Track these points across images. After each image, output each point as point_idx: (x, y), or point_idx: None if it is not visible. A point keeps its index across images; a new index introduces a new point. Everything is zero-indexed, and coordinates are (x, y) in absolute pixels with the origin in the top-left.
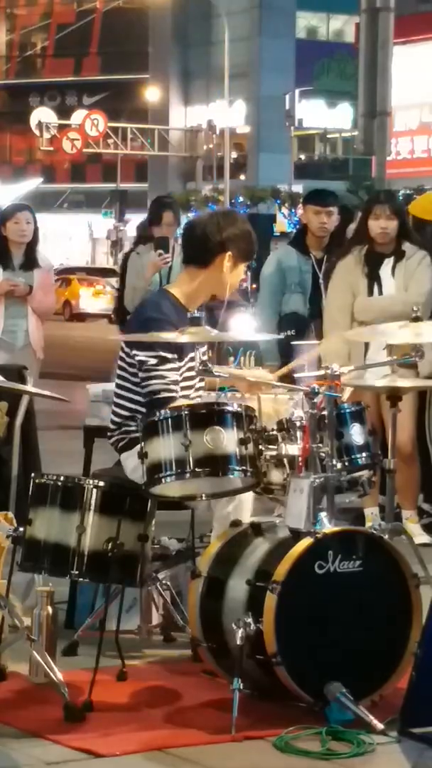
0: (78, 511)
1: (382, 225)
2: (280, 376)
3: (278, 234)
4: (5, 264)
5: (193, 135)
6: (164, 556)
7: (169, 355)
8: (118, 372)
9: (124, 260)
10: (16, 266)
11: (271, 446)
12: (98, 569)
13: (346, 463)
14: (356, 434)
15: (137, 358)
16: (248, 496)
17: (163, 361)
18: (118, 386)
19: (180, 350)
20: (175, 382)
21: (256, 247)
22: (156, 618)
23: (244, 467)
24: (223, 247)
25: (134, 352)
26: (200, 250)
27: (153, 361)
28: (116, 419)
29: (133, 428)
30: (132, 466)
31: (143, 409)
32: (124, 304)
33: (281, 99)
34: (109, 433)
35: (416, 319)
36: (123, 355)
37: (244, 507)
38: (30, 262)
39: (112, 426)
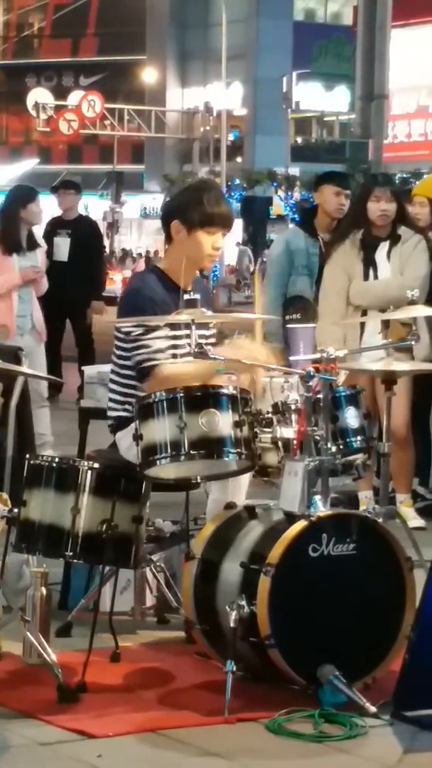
0: (73, 493)
1: (382, 207)
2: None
3: (274, 217)
4: (17, 248)
5: (190, 117)
6: (158, 538)
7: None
8: (114, 359)
9: None
10: (25, 249)
11: (266, 429)
12: (92, 550)
13: (341, 447)
14: (351, 418)
15: (123, 329)
16: (244, 479)
17: (148, 330)
18: (114, 372)
19: (167, 309)
20: (160, 350)
21: (213, 212)
22: (150, 600)
23: (239, 450)
24: (170, 216)
25: (122, 325)
26: (162, 224)
27: (138, 331)
28: (113, 405)
29: (129, 410)
30: (126, 445)
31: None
32: None
33: (278, 81)
34: (109, 422)
35: (412, 303)
36: (117, 341)
37: (240, 489)
38: (32, 243)
39: (109, 413)
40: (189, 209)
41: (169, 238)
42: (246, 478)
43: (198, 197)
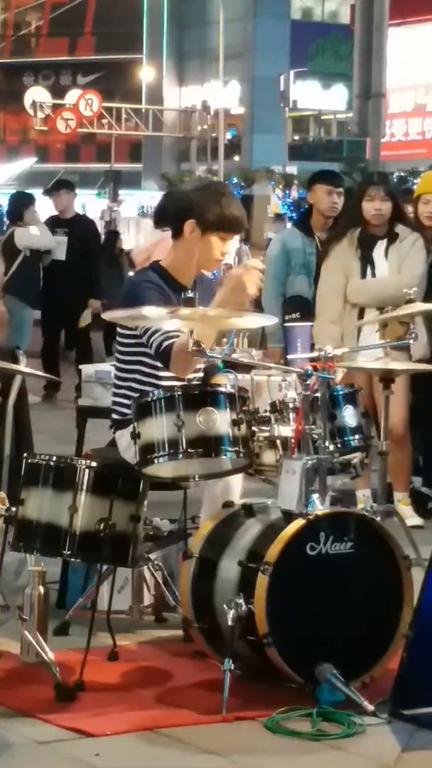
0: (70, 491)
1: (376, 206)
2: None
3: (272, 215)
4: None
5: (188, 115)
6: (156, 537)
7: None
8: (117, 356)
9: None
10: None
11: (264, 427)
12: (90, 549)
13: (339, 445)
14: (349, 416)
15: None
16: (238, 477)
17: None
18: (117, 369)
19: (169, 301)
20: (170, 331)
21: (231, 218)
22: (147, 598)
23: (236, 448)
24: (185, 214)
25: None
26: (171, 218)
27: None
28: (117, 400)
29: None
30: (125, 444)
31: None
32: None
33: (276, 80)
34: (111, 421)
35: (410, 302)
36: (120, 338)
37: (234, 488)
38: None
39: (113, 414)
40: (207, 210)
41: (176, 235)
42: (239, 477)
43: (217, 200)
